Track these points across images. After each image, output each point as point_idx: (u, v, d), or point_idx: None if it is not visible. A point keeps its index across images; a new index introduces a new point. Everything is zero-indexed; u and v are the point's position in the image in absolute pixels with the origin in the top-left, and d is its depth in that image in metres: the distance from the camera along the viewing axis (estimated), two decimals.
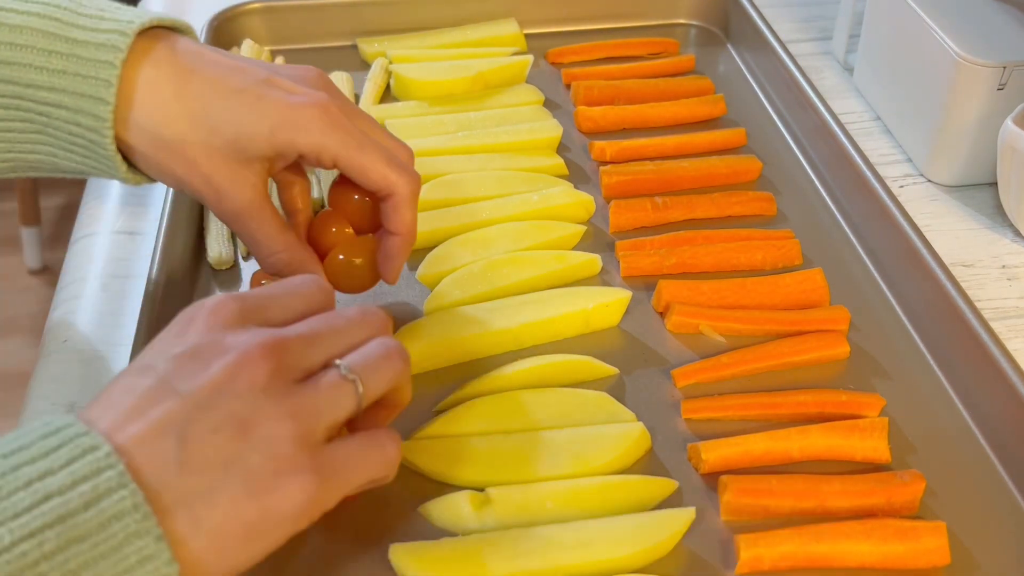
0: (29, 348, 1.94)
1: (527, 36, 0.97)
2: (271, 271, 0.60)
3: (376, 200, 0.60)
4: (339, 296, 0.61)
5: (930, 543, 0.54)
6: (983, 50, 0.75)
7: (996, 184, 0.79)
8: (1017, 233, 0.77)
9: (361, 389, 0.46)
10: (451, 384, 0.64)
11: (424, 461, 0.58)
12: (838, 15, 0.96)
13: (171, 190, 0.72)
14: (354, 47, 0.96)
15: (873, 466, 0.60)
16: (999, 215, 0.79)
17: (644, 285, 0.72)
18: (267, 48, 0.95)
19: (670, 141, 0.84)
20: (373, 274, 0.63)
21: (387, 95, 0.91)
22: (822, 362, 0.66)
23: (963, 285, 0.66)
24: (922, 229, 0.70)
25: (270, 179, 0.60)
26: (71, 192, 2.23)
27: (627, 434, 0.59)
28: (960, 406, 0.64)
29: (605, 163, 0.82)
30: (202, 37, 0.89)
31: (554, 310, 0.67)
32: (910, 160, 0.85)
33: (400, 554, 0.53)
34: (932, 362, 0.66)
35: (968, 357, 0.63)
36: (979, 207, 0.80)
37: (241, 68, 0.57)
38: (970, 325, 0.63)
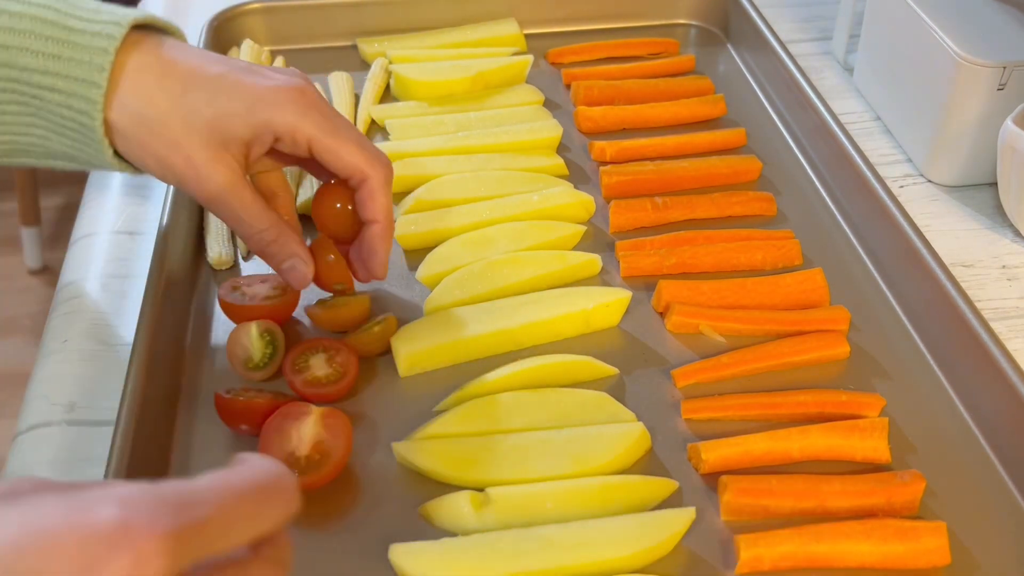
0: (29, 348, 1.94)
1: (527, 36, 0.97)
2: (258, 248, 0.61)
3: (355, 210, 0.62)
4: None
5: (930, 543, 0.54)
6: (983, 50, 0.75)
7: (996, 184, 0.79)
8: (1017, 233, 0.77)
9: None
10: (451, 384, 0.64)
11: (424, 461, 0.58)
12: (838, 15, 0.96)
13: (171, 190, 0.72)
14: (354, 47, 0.96)
15: (873, 466, 0.60)
16: (999, 215, 0.79)
17: (644, 285, 0.72)
18: (267, 48, 0.95)
19: (670, 141, 0.84)
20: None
21: (387, 95, 0.91)
22: (822, 362, 0.66)
23: (963, 285, 0.66)
24: (922, 229, 0.70)
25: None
26: (71, 192, 2.23)
27: (627, 434, 0.59)
28: (960, 406, 0.64)
29: (605, 163, 0.82)
30: (202, 37, 0.89)
31: (554, 310, 0.67)
32: (910, 160, 0.85)
33: (400, 554, 0.53)
34: (932, 362, 0.66)
35: (968, 357, 0.63)
36: (979, 207, 0.80)
37: (222, 59, 0.59)
38: (970, 325, 0.63)
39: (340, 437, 0.58)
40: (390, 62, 0.91)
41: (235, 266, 0.73)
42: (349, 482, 0.59)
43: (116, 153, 0.58)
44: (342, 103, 0.87)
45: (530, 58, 0.91)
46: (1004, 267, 0.74)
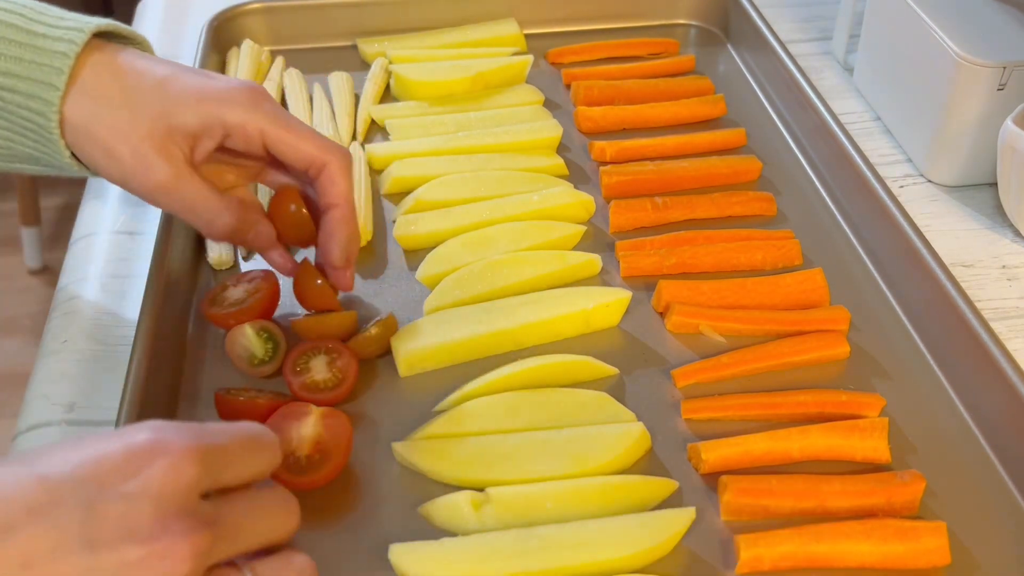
0: (29, 348, 1.94)
1: (527, 36, 0.97)
2: (221, 236, 0.62)
3: (311, 211, 0.63)
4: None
5: (930, 543, 0.54)
6: (983, 50, 0.75)
7: (996, 184, 0.79)
8: (1017, 233, 0.77)
9: None
10: (451, 384, 0.64)
11: (424, 461, 0.58)
12: (838, 15, 0.96)
13: None
14: (354, 47, 0.96)
15: (873, 466, 0.60)
16: (999, 215, 0.79)
17: (644, 285, 0.72)
18: (267, 48, 0.95)
19: (670, 141, 0.84)
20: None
21: (387, 95, 0.91)
22: (822, 362, 0.66)
23: (963, 285, 0.66)
24: (922, 229, 0.70)
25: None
26: (71, 192, 2.23)
27: (627, 434, 0.59)
28: (960, 406, 0.64)
29: (605, 163, 0.82)
30: (202, 37, 0.89)
31: (554, 310, 0.67)
32: (910, 160, 0.85)
33: (400, 554, 0.53)
34: (932, 362, 0.66)
35: (968, 357, 0.63)
36: (979, 207, 0.80)
37: (179, 65, 0.61)
38: (970, 325, 0.63)
39: (340, 437, 0.58)
40: (390, 62, 0.91)
41: (235, 266, 0.73)
42: (349, 482, 0.59)
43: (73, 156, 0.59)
44: (342, 103, 0.87)
45: (530, 58, 0.91)
46: (1004, 267, 0.74)
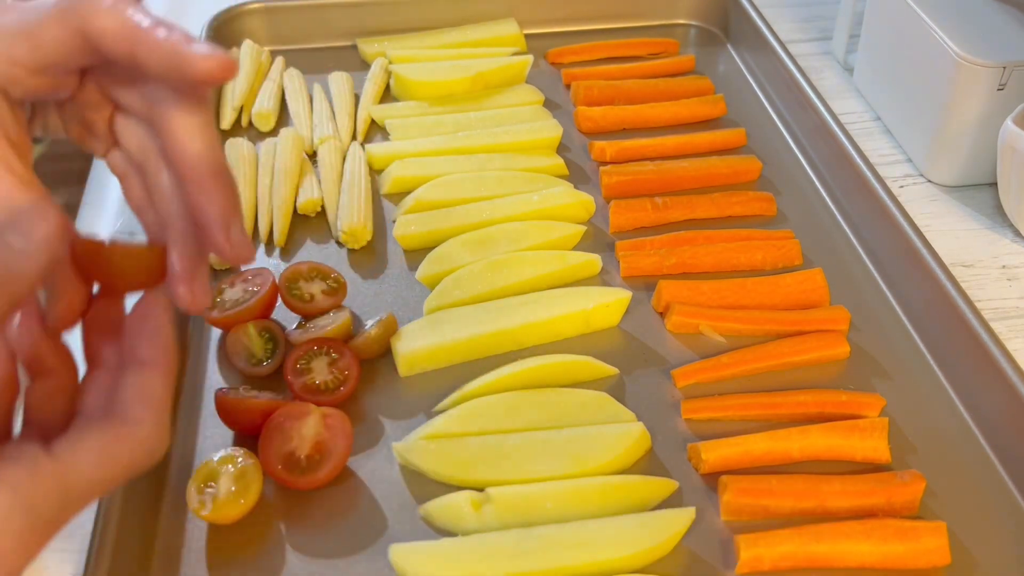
0: None
1: (527, 36, 0.97)
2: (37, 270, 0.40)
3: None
4: None
5: (930, 543, 0.54)
6: (983, 50, 0.75)
7: (996, 184, 0.79)
8: (1017, 233, 0.77)
9: None
10: (451, 384, 0.64)
11: (424, 461, 0.58)
12: (838, 15, 0.96)
13: None
14: (354, 47, 0.96)
15: (873, 466, 0.60)
16: (999, 215, 0.79)
17: (644, 285, 0.72)
18: (267, 48, 0.95)
19: (670, 141, 0.84)
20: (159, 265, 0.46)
21: (387, 95, 0.91)
22: (822, 362, 0.66)
23: (963, 285, 0.66)
24: (922, 229, 0.70)
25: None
26: (71, 192, 2.23)
27: (627, 434, 0.59)
28: (960, 406, 0.64)
29: (605, 163, 0.82)
30: (202, 37, 0.89)
31: (554, 310, 0.67)
32: (910, 160, 0.85)
33: (400, 554, 0.53)
34: (932, 362, 0.66)
35: (968, 357, 0.63)
36: (979, 207, 0.80)
37: None
38: (970, 325, 0.63)
39: (340, 437, 0.58)
40: (390, 62, 0.91)
41: (235, 266, 0.73)
42: (349, 482, 0.59)
43: None
44: (342, 103, 0.87)
45: (530, 58, 0.91)
46: (1004, 267, 0.74)
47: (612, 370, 0.65)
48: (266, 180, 0.78)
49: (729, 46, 0.99)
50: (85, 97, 0.46)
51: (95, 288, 0.46)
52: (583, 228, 0.75)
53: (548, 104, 0.90)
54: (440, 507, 0.56)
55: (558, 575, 0.53)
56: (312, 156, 0.83)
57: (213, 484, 0.55)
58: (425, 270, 0.72)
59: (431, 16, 0.96)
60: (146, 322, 0.46)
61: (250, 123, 0.87)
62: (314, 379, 0.62)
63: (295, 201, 0.77)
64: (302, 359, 0.63)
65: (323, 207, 0.78)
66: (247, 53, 0.90)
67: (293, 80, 0.89)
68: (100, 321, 0.47)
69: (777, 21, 0.98)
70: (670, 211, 0.77)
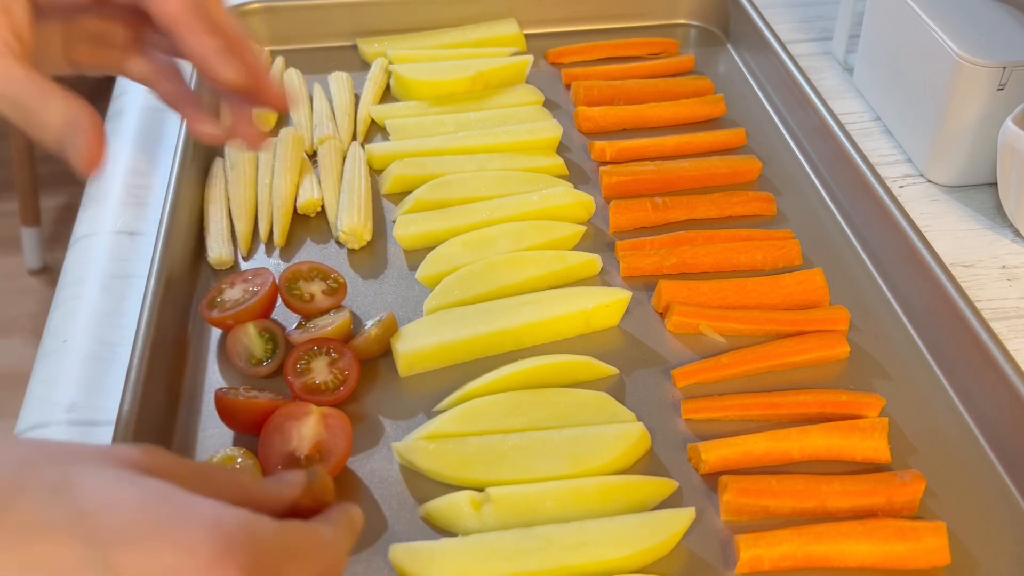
0: (29, 348, 1.94)
1: (527, 36, 0.97)
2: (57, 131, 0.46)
3: None
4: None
5: (930, 543, 0.54)
6: (983, 50, 0.75)
7: (996, 184, 0.79)
8: (1017, 233, 0.77)
9: None
10: (451, 384, 0.64)
11: (424, 461, 0.58)
12: (838, 15, 0.96)
13: (171, 190, 0.72)
14: (354, 47, 0.96)
15: (873, 466, 0.60)
16: (999, 215, 0.79)
17: (644, 285, 0.72)
18: (267, 48, 0.95)
19: (670, 141, 0.84)
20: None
21: (387, 95, 0.91)
22: (822, 362, 0.66)
23: (963, 285, 0.66)
24: (922, 229, 0.70)
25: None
26: (71, 192, 2.23)
27: (627, 434, 0.59)
28: (960, 406, 0.64)
29: (605, 163, 0.82)
30: None
31: (554, 310, 0.67)
32: (910, 160, 0.85)
33: (400, 554, 0.53)
34: (932, 362, 0.66)
35: (968, 357, 0.63)
36: (979, 207, 0.80)
37: None
38: (970, 325, 0.63)
39: (340, 437, 0.58)
40: (390, 62, 0.91)
41: (235, 266, 0.73)
42: (349, 482, 0.59)
43: None
44: (342, 103, 0.87)
45: (530, 58, 0.91)
46: (1004, 267, 0.74)
47: (612, 370, 0.65)
48: (266, 180, 0.78)
49: (729, 46, 0.99)
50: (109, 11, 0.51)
51: None
52: (583, 228, 0.75)
53: (548, 104, 0.90)
54: (440, 507, 0.56)
55: (558, 575, 0.53)
56: (312, 156, 0.83)
57: None
58: (425, 270, 0.72)
59: (431, 16, 0.96)
60: None
61: None
62: (314, 379, 0.62)
63: (295, 201, 0.77)
64: (302, 359, 0.63)
65: (323, 207, 0.78)
66: None
67: (293, 80, 0.89)
68: None
69: (777, 21, 0.98)
70: (670, 211, 0.77)
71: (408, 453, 0.59)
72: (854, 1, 0.93)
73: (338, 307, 0.67)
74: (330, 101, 0.88)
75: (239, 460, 0.56)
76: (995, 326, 0.64)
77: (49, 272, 2.11)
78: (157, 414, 0.60)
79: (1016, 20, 0.79)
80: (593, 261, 0.72)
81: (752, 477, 0.57)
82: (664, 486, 0.58)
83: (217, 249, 0.72)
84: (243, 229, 0.75)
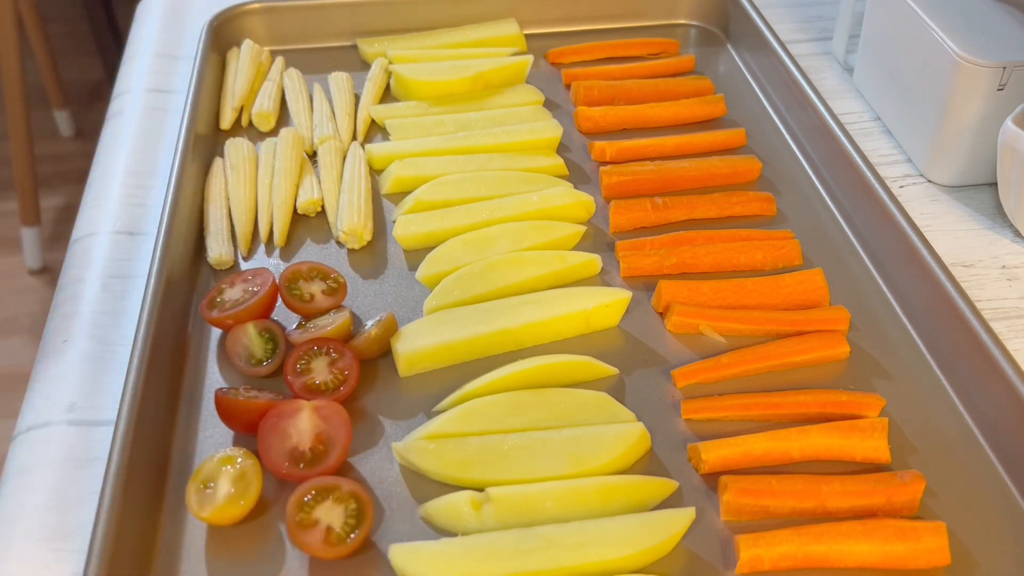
0: (29, 348, 1.94)
1: (527, 36, 0.97)
2: None
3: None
4: None
5: (930, 543, 0.54)
6: (983, 50, 0.75)
7: (996, 184, 0.79)
8: (1017, 233, 0.77)
9: None
10: (451, 384, 0.64)
11: (424, 461, 0.58)
12: (838, 15, 0.96)
13: (171, 190, 0.72)
14: (354, 47, 0.96)
15: (873, 466, 0.60)
16: (999, 215, 0.79)
17: (644, 285, 0.72)
18: (267, 48, 0.95)
19: (670, 141, 0.84)
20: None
21: (387, 95, 0.91)
22: (822, 362, 0.66)
23: (963, 285, 0.66)
24: (922, 229, 0.70)
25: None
26: (71, 192, 2.23)
27: (627, 434, 0.59)
28: (960, 406, 0.64)
29: (605, 163, 0.82)
30: (202, 37, 0.89)
31: (554, 310, 0.67)
32: (910, 160, 0.85)
33: (400, 554, 0.53)
34: (932, 362, 0.66)
35: (968, 357, 0.63)
36: (979, 207, 0.80)
37: None
38: (970, 325, 0.63)
39: (339, 425, 0.58)
40: (390, 62, 0.91)
41: (235, 266, 0.73)
42: (351, 479, 0.58)
43: None
44: (342, 103, 0.87)
45: (530, 58, 0.91)
46: (1004, 267, 0.74)
47: (612, 370, 0.65)
48: (266, 180, 0.78)
49: (729, 46, 0.99)
50: None
51: None
52: (583, 228, 0.75)
53: (548, 104, 0.90)
54: (440, 507, 0.56)
55: (558, 575, 0.53)
56: (312, 156, 0.83)
57: (213, 485, 0.55)
58: (425, 270, 0.72)
59: (431, 16, 0.96)
60: None
61: (250, 123, 0.87)
62: (314, 379, 0.62)
63: (295, 201, 0.77)
64: (302, 359, 0.63)
65: (323, 207, 0.78)
66: (247, 53, 0.90)
67: (293, 80, 0.89)
68: None
69: (777, 21, 0.98)
70: (670, 211, 0.77)
71: (408, 453, 0.59)
72: (854, 1, 0.93)
73: (338, 307, 0.67)
74: (330, 101, 0.88)
75: (239, 460, 0.56)
76: (995, 326, 0.64)
77: (49, 272, 2.11)
78: (157, 414, 0.60)
79: (1016, 20, 0.79)
80: (593, 261, 0.72)
81: (752, 477, 0.57)
82: (664, 486, 0.58)
83: (217, 249, 0.72)
84: (243, 229, 0.75)
